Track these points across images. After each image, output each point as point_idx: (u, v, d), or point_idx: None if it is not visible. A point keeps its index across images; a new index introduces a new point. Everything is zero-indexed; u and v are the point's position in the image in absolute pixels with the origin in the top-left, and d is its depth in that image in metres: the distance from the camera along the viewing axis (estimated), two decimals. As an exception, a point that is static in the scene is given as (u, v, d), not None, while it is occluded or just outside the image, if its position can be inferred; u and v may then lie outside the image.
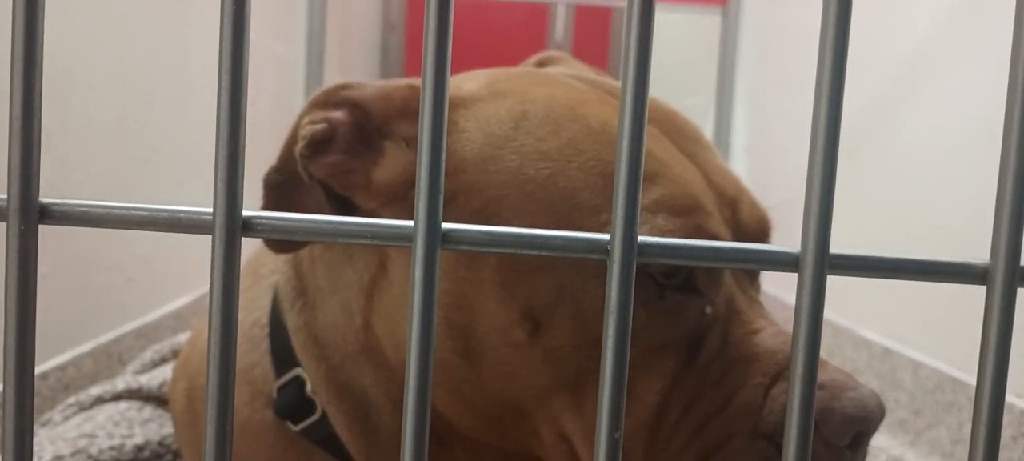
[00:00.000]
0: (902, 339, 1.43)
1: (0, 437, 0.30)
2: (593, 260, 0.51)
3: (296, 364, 0.66)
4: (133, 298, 1.35)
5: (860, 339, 1.53)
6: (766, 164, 2.15)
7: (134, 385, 1.05)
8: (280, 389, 0.66)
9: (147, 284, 1.39)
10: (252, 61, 0.29)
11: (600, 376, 0.29)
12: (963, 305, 1.25)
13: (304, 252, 0.66)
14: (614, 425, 0.29)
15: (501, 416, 0.58)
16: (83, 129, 1.17)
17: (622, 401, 0.29)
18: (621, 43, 0.26)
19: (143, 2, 1.34)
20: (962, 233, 1.29)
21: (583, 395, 0.54)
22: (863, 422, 0.52)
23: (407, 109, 0.58)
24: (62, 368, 1.14)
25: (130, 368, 1.21)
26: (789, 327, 0.56)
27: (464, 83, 0.61)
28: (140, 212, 0.30)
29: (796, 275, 0.29)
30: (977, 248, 1.20)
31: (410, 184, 0.57)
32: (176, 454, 0.96)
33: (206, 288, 1.51)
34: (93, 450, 0.90)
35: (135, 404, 1.03)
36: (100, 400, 1.04)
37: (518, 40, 3.15)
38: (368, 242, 0.30)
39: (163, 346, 1.25)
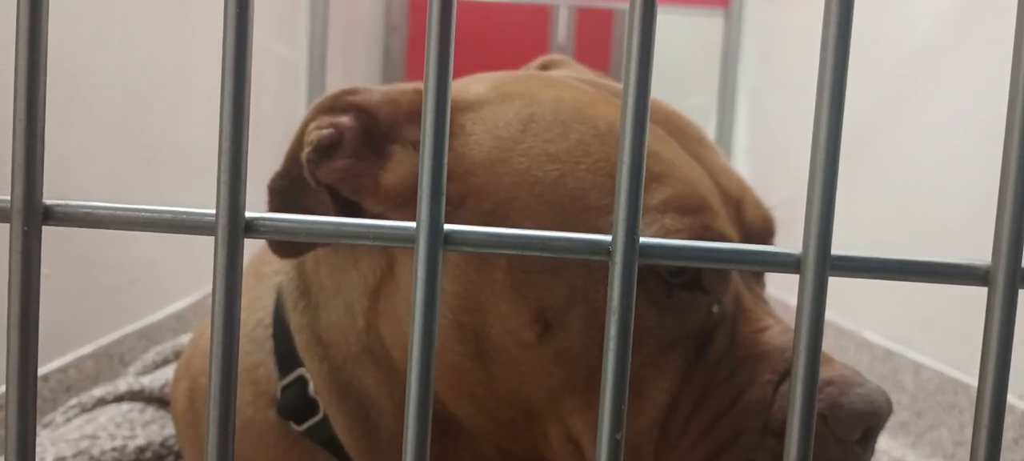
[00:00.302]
0: (904, 341, 1.43)
1: (3, 438, 0.30)
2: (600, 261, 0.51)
3: (299, 364, 0.66)
4: (135, 299, 1.35)
5: (862, 340, 1.53)
6: (768, 165, 2.15)
7: (136, 386, 1.05)
8: (284, 389, 0.66)
9: (149, 285, 1.39)
10: (255, 63, 0.29)
11: (602, 377, 0.29)
12: (965, 307, 1.25)
13: (308, 253, 0.66)
14: (616, 426, 0.29)
15: (513, 418, 0.58)
16: (85, 130, 1.17)
17: (624, 402, 0.29)
18: (623, 45, 0.26)
19: (145, 3, 1.34)
20: (963, 234, 1.29)
21: (593, 396, 0.55)
22: (872, 417, 0.52)
23: (414, 113, 0.58)
24: (64, 369, 1.14)
25: (132, 369, 1.21)
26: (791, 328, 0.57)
27: (470, 86, 0.61)
28: (143, 213, 0.30)
29: (797, 276, 0.29)
30: (979, 249, 1.20)
31: (417, 187, 0.57)
32: (178, 455, 0.96)
33: (208, 289, 1.51)
34: (95, 451, 0.91)
35: (137, 405, 1.03)
36: (102, 401, 1.04)
37: (520, 42, 3.16)
38: (370, 243, 0.30)
39: (165, 347, 1.25)
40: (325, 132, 0.57)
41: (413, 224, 0.29)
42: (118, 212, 0.30)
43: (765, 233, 0.61)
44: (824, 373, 0.53)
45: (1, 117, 0.96)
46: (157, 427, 0.99)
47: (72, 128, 1.13)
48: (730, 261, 0.30)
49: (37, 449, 0.89)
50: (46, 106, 0.29)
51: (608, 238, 0.29)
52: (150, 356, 1.23)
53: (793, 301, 0.29)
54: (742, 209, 0.60)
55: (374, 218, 0.58)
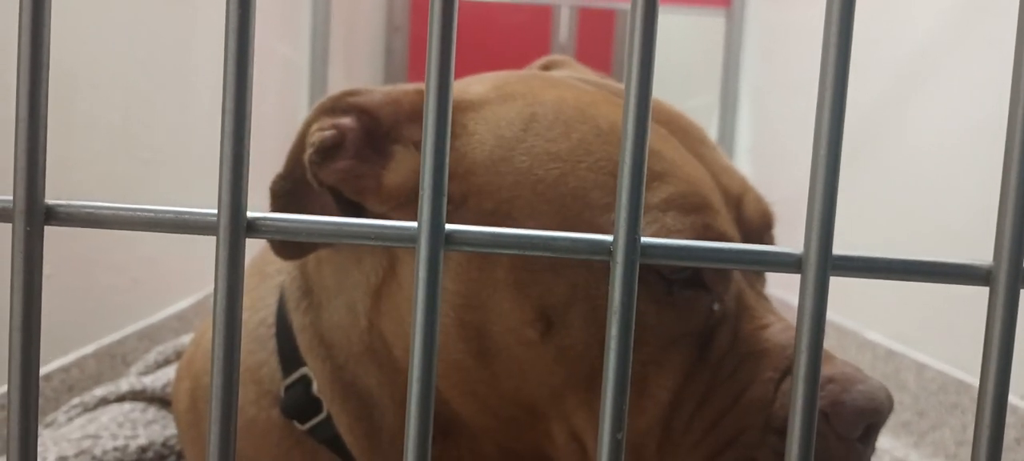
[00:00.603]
0: (906, 340, 1.43)
1: (5, 438, 0.30)
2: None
3: (302, 363, 0.66)
4: (137, 299, 1.35)
5: (864, 341, 1.53)
6: (770, 165, 2.15)
7: (138, 386, 1.05)
8: (287, 388, 0.66)
9: (151, 285, 1.39)
10: (256, 62, 0.29)
11: (603, 377, 0.29)
12: (967, 306, 1.25)
13: (310, 254, 0.66)
14: (617, 426, 0.29)
15: (516, 416, 0.59)
16: (87, 130, 1.17)
17: (625, 402, 0.29)
18: (625, 45, 0.26)
19: (147, 3, 1.34)
20: (965, 234, 1.29)
21: (595, 393, 0.55)
22: (873, 414, 0.52)
23: (416, 113, 0.58)
24: (66, 369, 1.14)
25: (134, 369, 1.21)
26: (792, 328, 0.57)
27: (472, 86, 0.61)
28: (145, 213, 0.30)
29: (799, 276, 0.29)
30: (980, 249, 1.20)
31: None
32: (180, 455, 0.96)
33: (210, 289, 1.51)
34: (97, 451, 0.91)
35: (139, 405, 1.03)
36: (104, 401, 1.04)
37: (522, 42, 3.16)
38: (372, 243, 0.30)
39: (166, 347, 1.25)
40: (327, 133, 0.57)
41: (414, 224, 0.29)
42: (120, 212, 0.30)
43: (764, 227, 0.62)
44: (825, 371, 0.54)
45: (3, 118, 0.97)
46: (159, 427, 0.99)
47: (74, 128, 1.14)
48: (731, 261, 0.30)
49: (39, 448, 0.89)
50: (48, 106, 0.29)
51: (610, 238, 0.29)
52: (152, 356, 1.23)
53: (794, 300, 0.29)
54: (742, 206, 0.60)
55: (377, 218, 0.58)
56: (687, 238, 0.53)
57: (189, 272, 1.52)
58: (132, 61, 1.29)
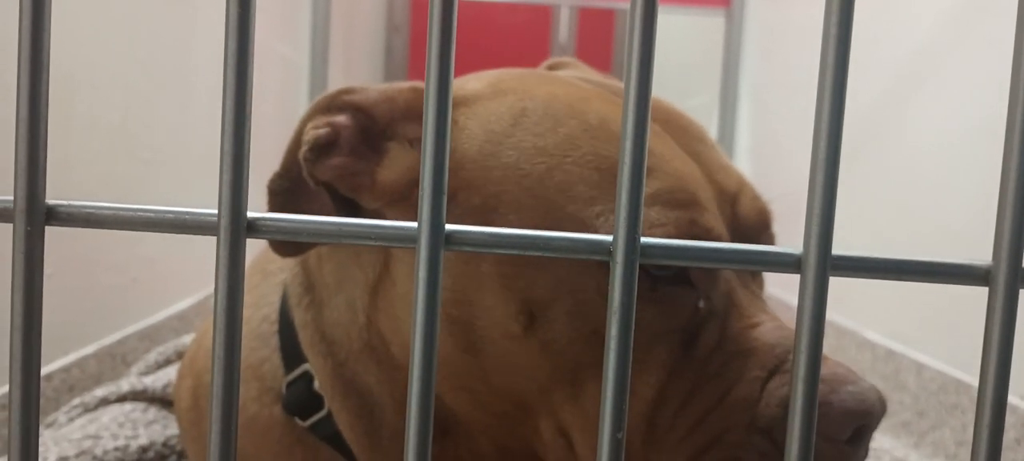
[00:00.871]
0: (906, 340, 1.43)
1: (6, 438, 0.30)
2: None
3: (304, 360, 0.66)
4: (137, 299, 1.36)
5: (863, 340, 1.53)
6: (769, 164, 2.15)
7: (139, 386, 1.05)
8: (289, 385, 0.66)
9: (151, 285, 1.40)
10: (256, 62, 0.29)
11: (603, 376, 0.29)
12: (966, 306, 1.25)
13: (312, 250, 0.66)
14: (617, 426, 0.29)
15: (506, 411, 0.59)
16: (87, 130, 1.17)
17: (625, 402, 0.29)
18: (624, 45, 0.26)
19: (147, 3, 1.34)
20: (965, 233, 1.29)
21: (581, 388, 0.55)
22: (863, 416, 0.51)
23: (410, 111, 0.59)
24: (66, 369, 1.14)
25: (134, 369, 1.21)
26: (792, 327, 0.56)
27: (468, 83, 0.62)
28: (145, 213, 0.30)
29: (798, 276, 0.29)
30: (980, 249, 1.20)
31: (414, 183, 0.57)
32: (180, 455, 0.96)
33: (210, 289, 1.51)
34: (98, 451, 0.91)
35: (140, 405, 1.03)
36: (105, 401, 1.04)
37: (521, 42, 3.16)
38: (372, 243, 0.30)
39: (167, 347, 1.25)
40: (322, 131, 0.57)
41: (415, 224, 0.29)
42: (120, 212, 0.30)
43: (761, 225, 0.61)
44: None
45: (3, 118, 0.97)
46: (160, 427, 0.99)
47: (74, 128, 1.14)
48: (732, 261, 0.30)
49: (40, 449, 0.89)
50: (48, 107, 0.29)
51: (609, 238, 0.29)
52: (152, 356, 1.23)
53: (794, 300, 0.29)
54: (738, 204, 0.60)
55: (371, 215, 0.59)
56: (671, 233, 0.53)
57: (190, 272, 1.52)
58: (132, 61, 1.29)
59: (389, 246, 0.30)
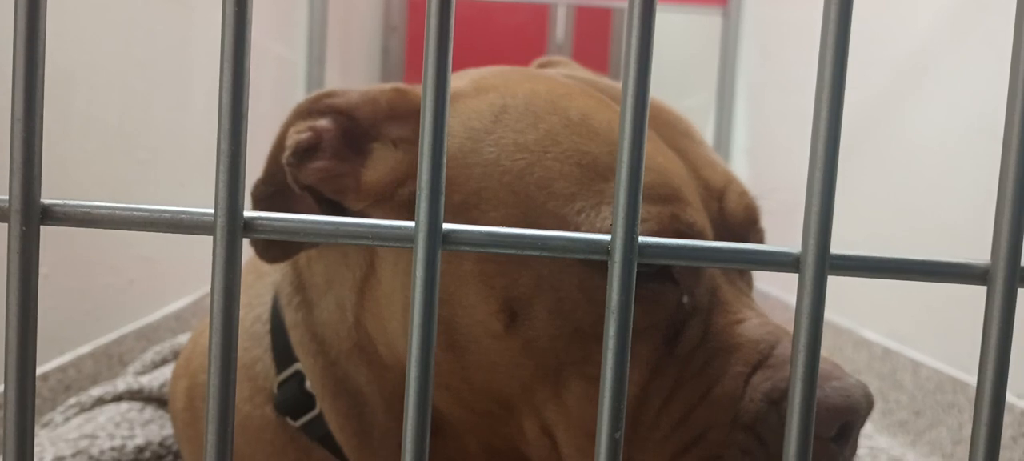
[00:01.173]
0: (902, 339, 1.43)
1: (1, 438, 0.30)
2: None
3: (295, 360, 0.66)
4: (134, 299, 1.35)
5: (860, 339, 1.53)
6: (767, 163, 2.15)
7: (135, 386, 1.05)
8: (280, 385, 0.66)
9: (148, 285, 1.39)
10: (253, 62, 0.29)
11: (601, 376, 0.29)
12: (964, 305, 1.25)
13: (302, 251, 0.66)
14: (615, 425, 0.29)
15: (490, 410, 0.59)
16: (84, 130, 1.17)
17: (623, 401, 0.29)
18: (621, 44, 0.26)
19: (144, 3, 1.34)
20: (963, 232, 1.29)
21: (563, 386, 0.55)
22: (848, 412, 0.50)
23: (393, 111, 0.59)
24: (63, 369, 1.14)
25: (131, 369, 1.21)
26: (790, 327, 0.56)
27: (452, 81, 0.62)
28: (142, 213, 0.30)
29: (796, 275, 0.29)
30: (978, 247, 1.20)
31: (398, 183, 0.58)
32: (176, 455, 0.96)
33: (207, 289, 1.51)
34: (94, 451, 0.90)
35: (136, 405, 1.03)
36: (101, 401, 1.04)
37: (519, 41, 3.16)
38: (369, 243, 0.30)
39: (164, 347, 1.25)
40: (304, 136, 0.57)
41: (412, 223, 0.29)
42: (117, 212, 0.30)
43: (748, 221, 0.61)
44: None
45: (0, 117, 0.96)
46: (156, 427, 0.99)
47: (71, 128, 1.13)
48: (729, 260, 0.30)
49: (36, 448, 0.88)
50: (45, 106, 0.29)
51: (606, 238, 0.29)
52: (149, 356, 1.23)
53: (792, 300, 0.29)
54: (724, 200, 0.59)
55: (355, 215, 0.59)
56: (652, 229, 0.53)
57: (186, 272, 1.52)
58: (129, 61, 1.29)
59: (386, 246, 0.30)
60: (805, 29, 1.92)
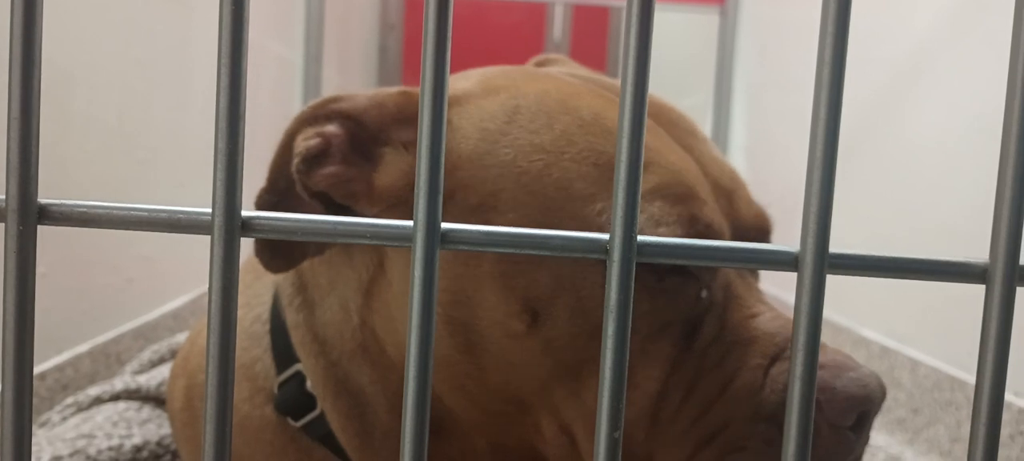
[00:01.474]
0: (901, 338, 1.44)
1: (-1, 438, 0.30)
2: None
3: (296, 360, 0.66)
4: (132, 298, 1.35)
5: (859, 337, 1.53)
6: (765, 163, 2.15)
7: (132, 385, 1.05)
8: (281, 385, 0.66)
9: (146, 284, 1.39)
10: (251, 61, 0.29)
11: (600, 376, 0.29)
12: (961, 303, 1.25)
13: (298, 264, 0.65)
14: (614, 425, 0.29)
15: (505, 410, 0.59)
16: (83, 130, 1.17)
17: (622, 401, 0.29)
18: (619, 42, 0.26)
19: (144, 3, 1.34)
20: (962, 231, 1.29)
21: (583, 384, 0.55)
22: (865, 402, 0.51)
23: (401, 115, 0.58)
24: (60, 368, 1.14)
25: (128, 368, 1.21)
26: (790, 317, 0.56)
27: (457, 82, 0.62)
28: (139, 212, 0.30)
29: (795, 274, 0.29)
30: (977, 247, 1.20)
31: (411, 187, 0.57)
32: (174, 454, 0.96)
33: (205, 288, 1.51)
34: (91, 450, 0.90)
35: (133, 404, 1.03)
36: (98, 400, 1.03)
37: (516, 40, 3.16)
38: (367, 242, 0.30)
39: (161, 346, 1.25)
40: (312, 142, 0.57)
41: (410, 222, 0.29)
42: (114, 211, 0.30)
43: (761, 231, 0.62)
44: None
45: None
46: (154, 426, 0.98)
47: (70, 128, 1.13)
48: (729, 260, 0.29)
49: (33, 448, 0.88)
50: (42, 105, 0.29)
51: (606, 236, 0.29)
52: (147, 355, 1.23)
53: (791, 299, 0.29)
54: (734, 201, 0.60)
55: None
56: (673, 228, 0.53)
57: (184, 271, 1.52)
58: (129, 61, 1.29)
59: (385, 245, 0.30)
60: (803, 28, 1.92)
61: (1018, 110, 0.27)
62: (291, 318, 0.67)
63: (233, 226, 0.29)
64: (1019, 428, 1.12)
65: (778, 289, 1.68)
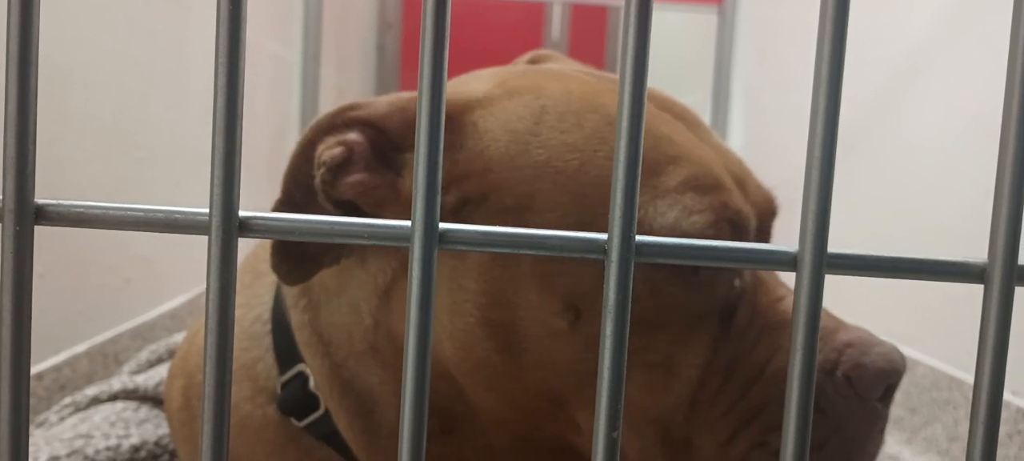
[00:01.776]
0: (899, 337, 1.43)
1: (-4, 438, 0.30)
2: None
3: (299, 360, 0.66)
4: (129, 298, 1.35)
5: (857, 337, 1.53)
6: (763, 162, 2.14)
7: (130, 385, 1.05)
8: (284, 385, 0.66)
9: (143, 284, 1.39)
10: (248, 60, 0.28)
11: (598, 376, 0.29)
12: (958, 303, 1.25)
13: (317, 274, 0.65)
14: (612, 425, 0.29)
15: (539, 406, 0.59)
16: (80, 130, 1.16)
17: (620, 401, 0.29)
18: (617, 41, 0.26)
19: (142, 3, 1.34)
20: (960, 231, 1.29)
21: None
22: (892, 374, 0.54)
23: None
24: (58, 368, 1.14)
25: (126, 368, 1.21)
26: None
27: (471, 84, 0.61)
28: (136, 213, 0.30)
29: (794, 274, 0.29)
30: (976, 245, 1.20)
31: (443, 190, 0.57)
32: (172, 454, 0.96)
33: (202, 288, 1.51)
34: (89, 451, 0.90)
35: (131, 404, 1.03)
36: (96, 400, 1.03)
37: (514, 39, 3.16)
38: (365, 242, 0.30)
39: (159, 346, 1.25)
40: (336, 151, 0.56)
41: (408, 222, 0.29)
42: (111, 211, 0.30)
43: (768, 213, 0.63)
44: (843, 336, 0.56)
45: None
46: (152, 426, 0.98)
47: (67, 128, 1.13)
48: (728, 260, 0.29)
49: (31, 448, 0.88)
50: (39, 105, 0.29)
51: (604, 236, 0.29)
52: (144, 355, 1.23)
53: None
54: (746, 187, 0.61)
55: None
56: (706, 218, 0.54)
57: (182, 271, 1.52)
58: (126, 60, 1.29)
59: (383, 245, 0.29)
60: (801, 28, 1.92)
61: (1016, 109, 0.27)
62: (296, 319, 0.66)
63: (230, 226, 0.29)
64: (1017, 427, 1.13)
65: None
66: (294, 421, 0.66)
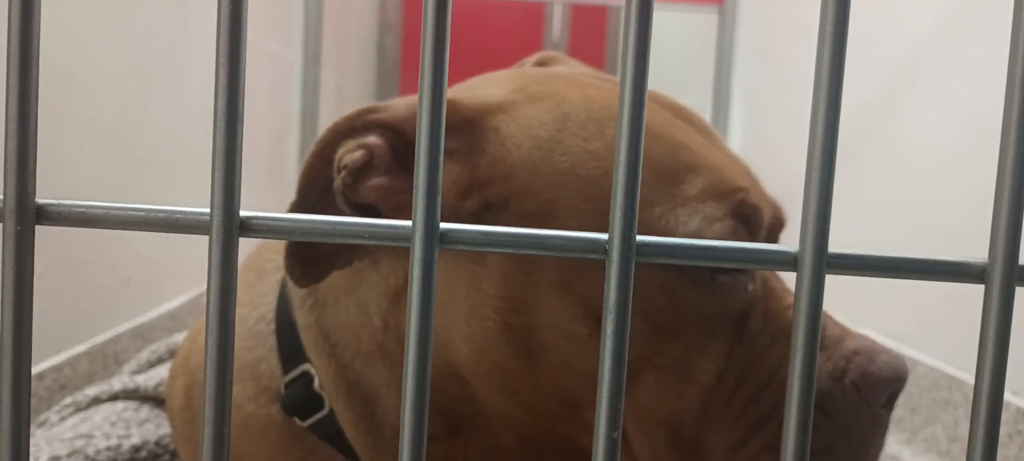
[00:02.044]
0: (899, 337, 1.44)
1: (-4, 438, 0.30)
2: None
3: (304, 360, 0.66)
4: (129, 298, 1.35)
5: (857, 337, 1.53)
6: (763, 163, 2.14)
7: (131, 385, 1.05)
8: (288, 385, 0.66)
9: (144, 284, 1.39)
10: (249, 61, 0.28)
11: (599, 376, 0.29)
12: (958, 303, 1.25)
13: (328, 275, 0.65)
14: (612, 425, 0.29)
15: (554, 409, 0.59)
16: (81, 130, 1.17)
17: (620, 402, 0.29)
18: (617, 42, 0.26)
19: (142, 3, 1.34)
20: (961, 231, 1.29)
21: (639, 382, 0.57)
22: (896, 381, 0.56)
23: (446, 122, 0.58)
24: (58, 368, 1.14)
25: (127, 368, 1.21)
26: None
27: (487, 88, 0.61)
28: (137, 212, 0.30)
29: (794, 274, 0.29)
30: (976, 245, 1.20)
31: (462, 195, 0.57)
32: (173, 454, 0.96)
33: (203, 288, 1.51)
34: (90, 451, 0.90)
35: (132, 404, 1.03)
36: (97, 400, 1.03)
37: (514, 40, 3.16)
38: (366, 242, 0.30)
39: (159, 346, 1.25)
40: (356, 155, 0.56)
41: (408, 222, 0.29)
42: (112, 211, 0.30)
43: (777, 223, 0.63)
44: (849, 344, 0.57)
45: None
46: (152, 426, 0.98)
47: (68, 128, 1.13)
48: (728, 260, 0.29)
49: (31, 448, 0.88)
50: (40, 105, 0.29)
51: (604, 236, 0.29)
52: (144, 355, 1.23)
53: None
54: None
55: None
56: (727, 226, 0.55)
57: (182, 271, 1.52)
58: (127, 60, 1.29)
59: (382, 244, 0.29)
60: (801, 28, 1.92)
61: (1017, 110, 0.27)
62: (302, 319, 0.66)
63: (231, 226, 0.29)
64: (1017, 427, 1.13)
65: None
66: (297, 421, 0.66)
